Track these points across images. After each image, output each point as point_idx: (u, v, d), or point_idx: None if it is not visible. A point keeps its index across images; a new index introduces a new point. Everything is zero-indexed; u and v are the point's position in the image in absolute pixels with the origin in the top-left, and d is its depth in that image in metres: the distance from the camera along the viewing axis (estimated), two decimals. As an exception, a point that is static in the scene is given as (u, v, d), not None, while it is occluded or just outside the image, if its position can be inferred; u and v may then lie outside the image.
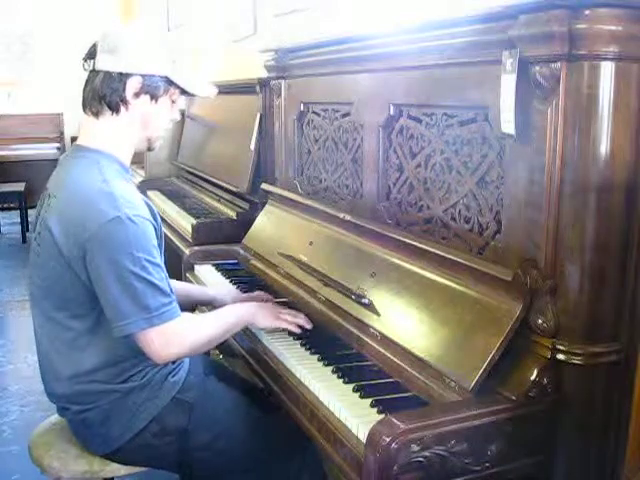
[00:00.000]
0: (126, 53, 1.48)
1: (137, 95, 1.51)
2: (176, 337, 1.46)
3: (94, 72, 1.50)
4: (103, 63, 1.48)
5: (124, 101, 1.50)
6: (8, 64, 7.65)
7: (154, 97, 1.53)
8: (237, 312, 1.66)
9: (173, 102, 1.59)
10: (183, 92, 1.59)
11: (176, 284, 1.98)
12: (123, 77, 1.48)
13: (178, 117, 1.64)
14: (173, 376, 1.58)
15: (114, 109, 1.50)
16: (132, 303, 1.40)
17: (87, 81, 1.53)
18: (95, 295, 1.43)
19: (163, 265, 1.49)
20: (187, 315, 1.55)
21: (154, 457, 1.59)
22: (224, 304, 1.82)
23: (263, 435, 1.63)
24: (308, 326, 1.70)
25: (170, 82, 1.54)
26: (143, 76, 1.49)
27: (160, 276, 1.45)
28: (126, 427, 1.53)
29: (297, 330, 1.68)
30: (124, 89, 1.49)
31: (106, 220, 1.38)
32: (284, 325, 1.68)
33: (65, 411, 1.59)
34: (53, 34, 7.50)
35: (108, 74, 1.48)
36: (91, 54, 1.51)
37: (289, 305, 1.87)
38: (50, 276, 1.47)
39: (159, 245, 1.52)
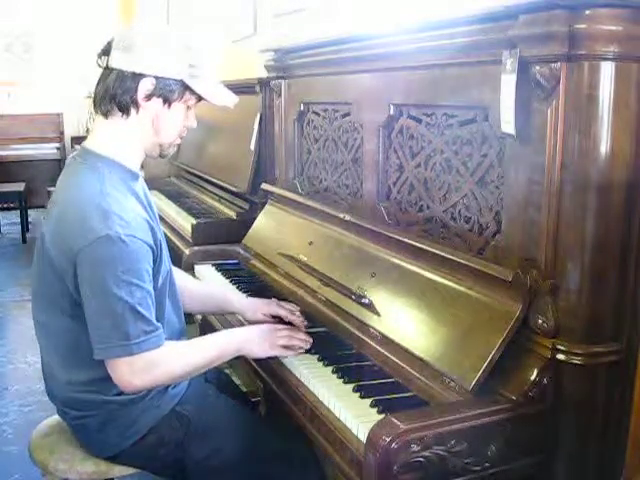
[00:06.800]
0: (141, 53, 1.41)
1: (149, 97, 1.43)
2: (150, 368, 1.38)
3: (107, 70, 1.43)
4: (117, 61, 1.41)
5: (135, 102, 1.42)
6: (8, 64, 7.66)
7: (167, 101, 1.45)
8: (228, 345, 1.55)
9: (188, 108, 1.50)
10: (200, 99, 1.50)
11: (197, 285, 1.89)
12: (136, 77, 1.40)
13: (194, 124, 1.53)
14: (174, 388, 1.54)
15: (124, 110, 1.43)
16: (112, 327, 1.34)
17: (100, 79, 1.46)
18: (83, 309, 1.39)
19: (152, 290, 1.41)
20: (169, 344, 1.44)
21: (151, 464, 1.58)
22: (244, 317, 1.79)
23: (260, 452, 1.57)
24: (305, 346, 1.60)
25: (186, 87, 1.45)
26: (157, 78, 1.41)
27: (146, 303, 1.37)
28: (123, 436, 1.50)
29: (290, 354, 1.58)
30: (136, 90, 1.41)
31: (95, 237, 1.32)
32: (278, 354, 1.58)
33: (64, 414, 1.58)
34: (53, 34, 7.52)
35: (121, 73, 1.41)
36: (106, 50, 1.44)
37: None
38: (46, 282, 1.45)
39: (158, 263, 1.46)
